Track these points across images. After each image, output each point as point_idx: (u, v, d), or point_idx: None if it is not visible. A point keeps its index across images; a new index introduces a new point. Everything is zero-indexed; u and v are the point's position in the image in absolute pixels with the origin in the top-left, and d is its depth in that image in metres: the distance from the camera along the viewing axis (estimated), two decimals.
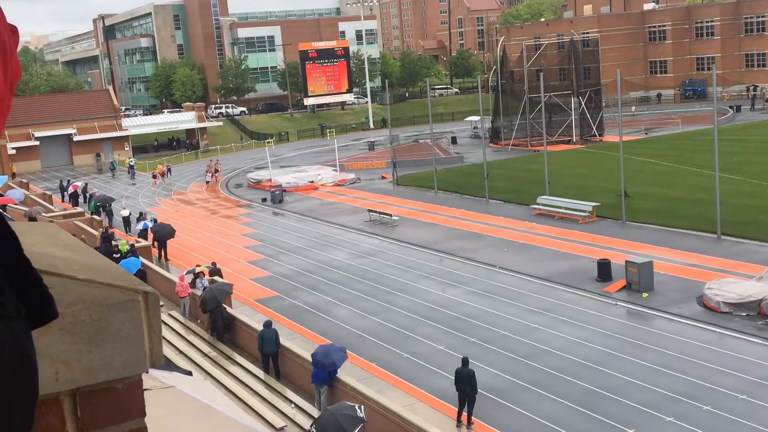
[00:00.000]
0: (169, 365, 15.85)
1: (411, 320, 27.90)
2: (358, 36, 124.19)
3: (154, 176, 68.47)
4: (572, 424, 19.21)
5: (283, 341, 22.53)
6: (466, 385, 19.23)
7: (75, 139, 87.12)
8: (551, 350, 23.95)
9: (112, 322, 1.36)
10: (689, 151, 58.20)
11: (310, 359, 20.02)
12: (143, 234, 41.17)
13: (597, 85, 73.89)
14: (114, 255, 30.65)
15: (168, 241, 39.50)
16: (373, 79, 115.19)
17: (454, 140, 79.38)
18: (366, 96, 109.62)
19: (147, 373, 1.38)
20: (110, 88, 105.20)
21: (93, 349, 1.34)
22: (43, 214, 35.95)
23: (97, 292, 1.36)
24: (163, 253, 39.02)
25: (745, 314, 25.59)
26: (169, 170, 71.37)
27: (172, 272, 33.89)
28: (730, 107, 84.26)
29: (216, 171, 68.45)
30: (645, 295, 28.45)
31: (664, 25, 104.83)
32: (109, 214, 49.97)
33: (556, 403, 20.39)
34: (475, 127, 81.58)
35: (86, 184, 61.40)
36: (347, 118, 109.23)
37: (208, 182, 66.70)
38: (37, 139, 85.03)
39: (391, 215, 44.20)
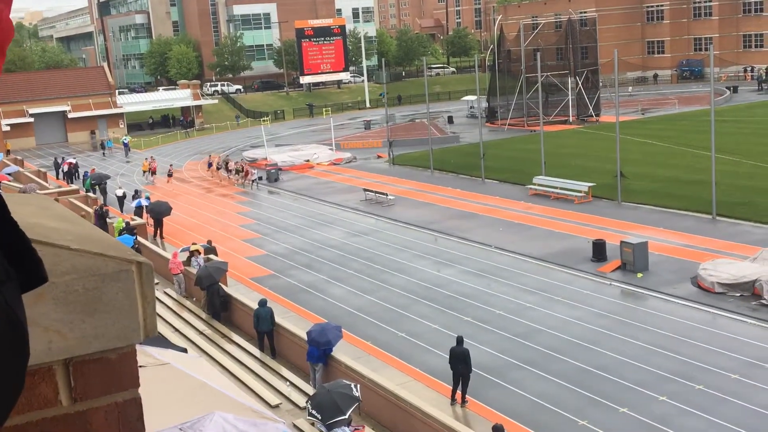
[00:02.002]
0: (164, 343, 15.89)
1: (406, 299, 27.98)
2: (355, 14, 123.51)
3: (152, 171, 58.46)
4: (565, 402, 19.33)
5: (278, 319, 22.58)
6: (460, 363, 19.31)
7: (70, 116, 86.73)
8: (545, 329, 24.05)
9: (106, 292, 1.35)
10: (686, 132, 58.18)
11: (305, 337, 20.08)
12: (138, 212, 41.13)
13: (594, 64, 73.68)
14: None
15: (164, 220, 39.46)
16: (369, 57, 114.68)
17: (450, 120, 79.21)
18: (362, 75, 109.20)
19: (141, 343, 1.38)
20: (105, 64, 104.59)
21: (86, 319, 1.34)
22: (38, 191, 35.86)
23: (90, 262, 1.35)
24: (159, 231, 39.00)
25: (738, 295, 25.69)
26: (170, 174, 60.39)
27: (168, 250, 33.89)
28: (727, 88, 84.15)
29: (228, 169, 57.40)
30: (639, 275, 28.54)
31: (662, 5, 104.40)
32: (104, 192, 49.87)
33: (549, 382, 20.50)
34: (471, 107, 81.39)
35: (77, 162, 61.18)
36: (343, 96, 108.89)
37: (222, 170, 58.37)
38: (31, 116, 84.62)
39: (386, 194, 44.18)
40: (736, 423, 17.71)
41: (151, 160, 59.49)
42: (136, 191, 46.54)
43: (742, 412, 18.22)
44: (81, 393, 1.34)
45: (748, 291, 25.67)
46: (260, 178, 56.23)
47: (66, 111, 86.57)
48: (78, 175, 58.00)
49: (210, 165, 59.58)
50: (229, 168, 56.22)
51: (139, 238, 31.82)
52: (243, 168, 54.63)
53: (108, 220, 37.31)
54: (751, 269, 26.46)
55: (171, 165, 61.29)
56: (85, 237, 1.43)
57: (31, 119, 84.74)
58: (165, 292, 27.47)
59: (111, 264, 1.35)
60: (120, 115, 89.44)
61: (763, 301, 24.86)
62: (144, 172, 58.15)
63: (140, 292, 1.37)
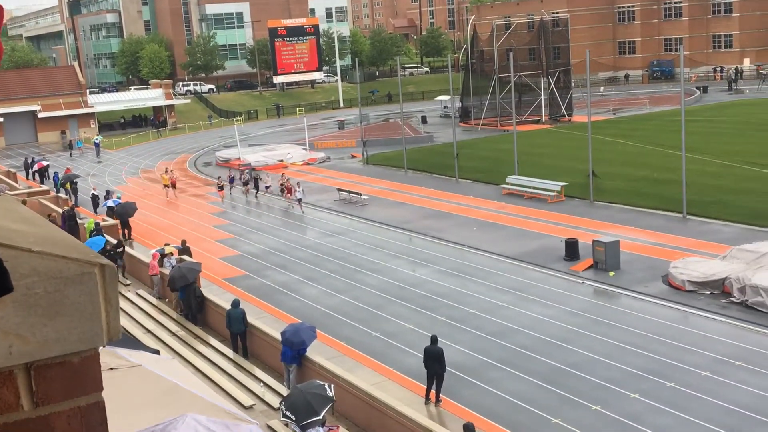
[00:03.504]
0: (136, 344, 15.75)
1: (380, 299, 27.98)
2: (328, 13, 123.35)
3: (173, 185, 51.04)
4: (539, 400, 19.44)
5: (252, 320, 22.46)
6: (434, 363, 19.34)
7: (40, 116, 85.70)
8: (519, 328, 24.17)
9: (68, 295, 1.33)
10: (656, 132, 58.75)
11: (279, 338, 20.00)
12: (110, 212, 40.75)
13: (566, 65, 74.17)
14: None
15: (135, 220, 39.16)
16: (343, 57, 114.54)
17: (424, 119, 79.34)
18: (336, 74, 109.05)
19: (104, 347, 1.36)
20: (75, 64, 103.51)
21: (48, 323, 1.31)
22: (7, 191, 35.39)
23: (52, 264, 1.33)
24: (126, 232, 38.70)
25: (709, 293, 25.99)
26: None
27: (137, 250, 33.62)
28: (697, 88, 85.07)
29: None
30: (611, 273, 28.77)
31: (632, 6, 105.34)
32: (74, 192, 49.34)
33: (523, 381, 20.61)
34: (445, 107, 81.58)
35: (48, 165, 60.33)
36: (317, 96, 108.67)
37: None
38: (0, 116, 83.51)
39: (360, 194, 44.16)
40: (707, 420, 17.91)
41: (171, 174, 51.85)
42: (108, 192, 46.12)
43: (713, 408, 18.43)
44: (43, 397, 1.31)
45: (718, 289, 25.97)
46: (233, 178, 55.77)
47: (36, 111, 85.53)
48: (48, 175, 57.36)
49: (231, 181, 50.54)
50: (266, 185, 48.35)
51: (110, 239, 31.49)
52: (285, 184, 46.59)
53: (79, 220, 36.96)
54: (721, 267, 26.78)
55: (172, 172, 53.86)
56: (48, 239, 1.41)
57: (1, 119, 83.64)
58: (138, 294, 27.23)
59: (73, 266, 1.33)
60: (91, 115, 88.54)
61: (733, 299, 25.17)
62: (165, 186, 50.53)
63: (103, 294, 1.35)
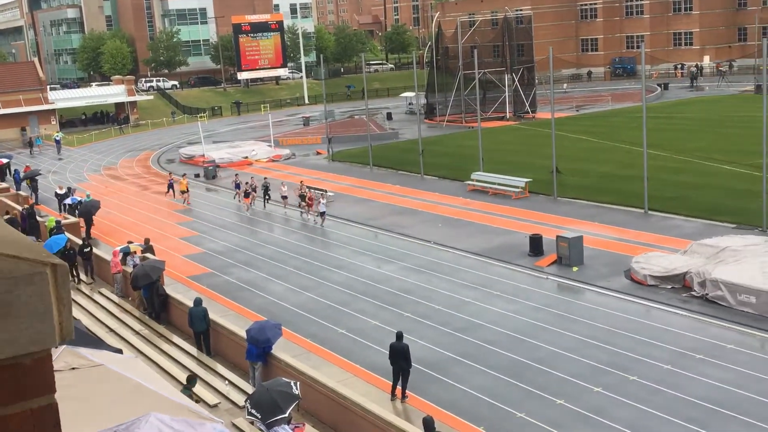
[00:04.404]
0: (99, 344, 15.56)
1: (346, 296, 27.96)
2: (293, 9, 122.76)
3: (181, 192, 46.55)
4: (504, 395, 19.58)
5: (217, 318, 22.30)
6: (400, 359, 19.38)
7: None
8: (484, 324, 24.31)
9: (19, 296, 1.31)
10: (619, 128, 59.41)
11: (244, 336, 19.89)
12: (72, 210, 40.22)
13: (530, 62, 74.68)
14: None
15: (98, 218, 38.66)
16: (307, 53, 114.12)
17: (389, 116, 79.38)
18: (301, 71, 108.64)
19: (56, 347, 1.33)
20: (35, 59, 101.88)
21: None
22: None
23: (2, 264, 1.31)
24: (89, 230, 38.24)
25: (670, 287, 26.36)
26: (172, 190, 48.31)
27: (100, 249, 33.21)
28: (658, 85, 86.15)
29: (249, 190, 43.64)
30: (575, 269, 29.06)
31: (595, 4, 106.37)
32: (35, 189, 48.62)
33: (488, 375, 20.73)
34: (410, 103, 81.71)
35: (8, 162, 59.27)
36: (282, 93, 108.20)
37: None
38: None
39: (326, 191, 44.07)
40: (669, 412, 18.17)
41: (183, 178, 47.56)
42: (69, 189, 45.51)
43: (674, 401, 18.70)
44: None
45: (679, 283, 26.36)
46: (197, 175, 55.24)
47: None
48: (10, 172, 56.41)
49: (238, 188, 44.63)
50: (283, 194, 42.41)
51: (72, 237, 31.06)
52: (305, 194, 40.55)
53: (39, 218, 36.45)
54: (682, 262, 27.18)
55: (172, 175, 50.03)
56: None
57: None
58: (100, 292, 26.91)
59: (24, 266, 1.30)
60: (52, 112, 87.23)
61: (694, 293, 25.56)
62: (182, 192, 45.97)
63: (55, 294, 1.32)
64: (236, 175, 47.19)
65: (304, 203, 40.26)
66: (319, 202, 38.41)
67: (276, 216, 41.40)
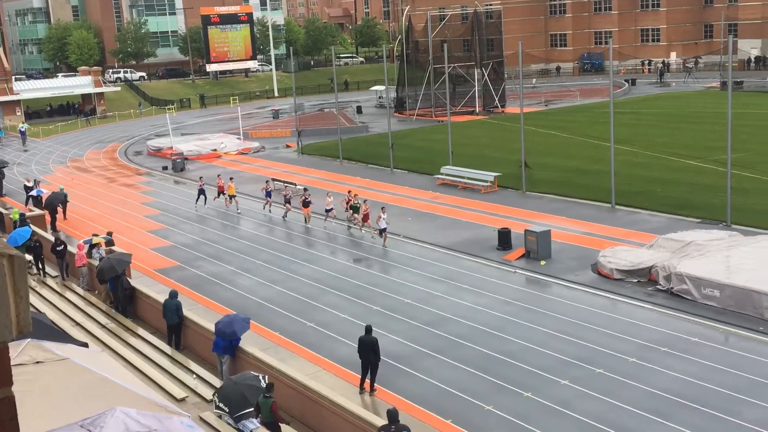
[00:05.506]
0: (64, 337, 15.38)
1: (315, 289, 27.91)
2: (262, 1, 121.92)
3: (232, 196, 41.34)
4: (472, 388, 19.67)
5: (185, 311, 22.12)
6: (369, 352, 19.39)
7: None
8: (453, 317, 24.40)
9: None
10: (587, 123, 59.90)
11: (213, 329, 19.78)
12: (37, 202, 39.70)
13: (500, 56, 74.99)
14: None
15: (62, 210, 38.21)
16: (277, 46, 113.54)
17: (359, 110, 79.27)
18: (270, 63, 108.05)
19: (13, 340, 1.31)
20: (0, 50, 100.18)
21: None
22: None
23: None
24: (54, 222, 37.82)
25: (636, 281, 26.65)
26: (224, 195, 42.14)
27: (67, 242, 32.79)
28: (626, 80, 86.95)
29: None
30: (543, 262, 29.27)
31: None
32: (0, 181, 47.90)
33: (456, 369, 20.82)
34: (380, 97, 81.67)
35: None
36: (251, 85, 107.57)
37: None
38: None
39: (295, 184, 43.90)
40: (635, 405, 18.38)
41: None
42: (35, 180, 44.90)
43: (640, 393, 18.92)
44: None
45: (645, 277, 26.67)
46: (165, 168, 54.71)
47: None
48: None
49: (269, 196, 39.76)
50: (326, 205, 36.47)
51: (37, 230, 30.64)
52: (358, 206, 35.03)
53: (4, 211, 35.96)
54: (648, 256, 27.49)
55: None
56: None
57: None
58: (65, 284, 26.59)
59: None
60: (17, 103, 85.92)
61: (659, 287, 25.87)
62: (231, 196, 40.95)
63: (12, 286, 1.30)
64: (267, 182, 41.06)
65: (355, 216, 34.99)
66: (379, 217, 32.38)
67: (244, 209, 41.03)
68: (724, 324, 22.94)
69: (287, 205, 38.41)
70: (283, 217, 38.10)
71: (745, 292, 23.48)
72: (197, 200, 41.85)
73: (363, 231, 34.47)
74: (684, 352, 21.11)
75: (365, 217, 34.15)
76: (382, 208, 32.89)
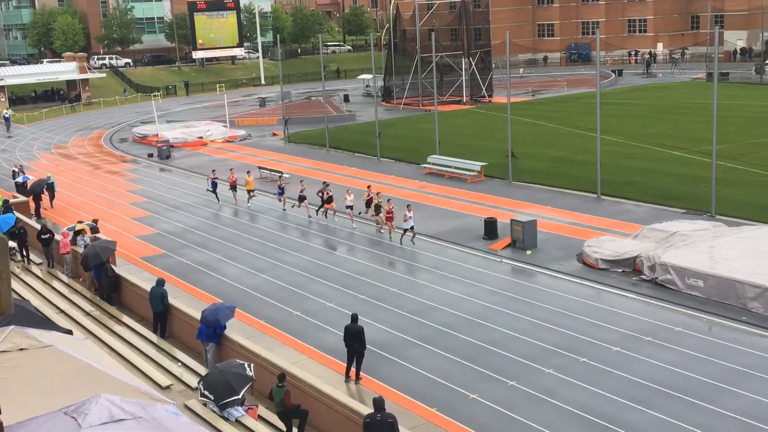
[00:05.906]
0: (48, 324, 15.32)
1: (301, 278, 27.91)
2: None
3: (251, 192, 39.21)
4: (457, 377, 19.76)
5: (170, 299, 22.05)
6: (355, 341, 19.43)
7: None
8: (439, 306, 24.47)
9: None
10: (573, 114, 60.01)
11: (198, 317, 19.74)
12: (22, 188, 39.46)
13: (487, 46, 74.92)
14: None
15: (48, 197, 38.00)
16: (264, 33, 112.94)
17: (346, 98, 79.09)
18: (257, 51, 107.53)
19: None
20: None
21: None
22: None
23: None
24: (39, 209, 37.63)
25: (620, 270, 26.80)
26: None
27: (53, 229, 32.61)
28: (612, 71, 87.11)
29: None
30: (528, 252, 29.37)
31: None
32: None
33: (442, 358, 20.90)
34: (367, 86, 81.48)
35: None
36: (238, 73, 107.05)
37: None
38: None
39: (282, 173, 43.80)
40: (618, 393, 18.52)
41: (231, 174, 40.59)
42: (20, 167, 44.60)
43: (623, 382, 19.06)
44: None
45: (630, 267, 26.81)
46: (151, 155, 54.42)
47: None
48: None
49: (282, 193, 37.97)
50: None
51: (22, 217, 30.45)
52: (381, 204, 32.76)
53: None
54: (633, 246, 27.64)
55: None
56: None
57: None
58: (50, 272, 26.45)
59: None
60: (1, 88, 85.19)
61: (644, 277, 26.02)
62: (249, 191, 38.97)
63: None
64: (280, 177, 40.24)
65: (378, 217, 32.84)
66: (405, 215, 30.96)
67: (228, 196, 40.73)
68: (707, 314, 23.12)
69: (283, 196, 37.58)
70: (284, 209, 37.46)
71: (728, 282, 23.66)
72: (215, 193, 39.73)
73: (382, 231, 32.83)
74: (667, 341, 21.26)
75: (389, 217, 31.92)
76: (408, 206, 31.71)
